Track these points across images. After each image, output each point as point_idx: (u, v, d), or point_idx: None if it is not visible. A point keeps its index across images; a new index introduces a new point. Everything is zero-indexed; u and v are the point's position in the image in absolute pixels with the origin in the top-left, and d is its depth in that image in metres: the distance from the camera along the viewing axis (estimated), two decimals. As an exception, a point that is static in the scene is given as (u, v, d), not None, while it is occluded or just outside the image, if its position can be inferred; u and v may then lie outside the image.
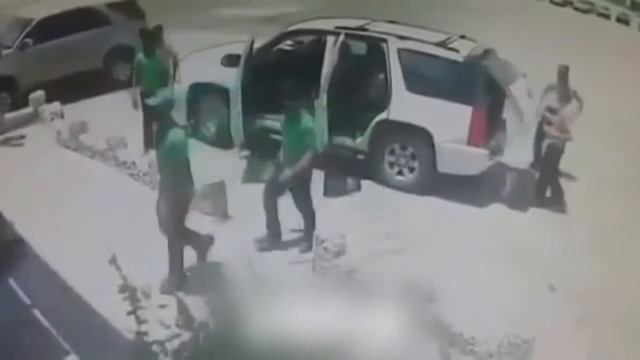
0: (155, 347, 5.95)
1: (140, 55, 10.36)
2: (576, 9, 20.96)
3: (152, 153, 9.64)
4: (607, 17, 20.60)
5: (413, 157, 9.67)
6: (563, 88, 9.86)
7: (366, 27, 10.25)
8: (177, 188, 7.06)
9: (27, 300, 6.81)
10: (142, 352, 6.03)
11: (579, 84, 10.09)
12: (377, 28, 10.20)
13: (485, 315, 6.92)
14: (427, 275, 7.35)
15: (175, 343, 6.13)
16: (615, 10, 20.58)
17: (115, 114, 11.54)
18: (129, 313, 5.51)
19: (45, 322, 6.54)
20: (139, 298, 6.61)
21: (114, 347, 6.24)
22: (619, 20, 20.37)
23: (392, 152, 9.75)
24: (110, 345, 6.28)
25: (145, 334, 5.68)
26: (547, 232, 8.97)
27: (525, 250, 8.39)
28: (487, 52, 9.84)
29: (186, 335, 6.10)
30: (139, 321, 6.10)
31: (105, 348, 6.27)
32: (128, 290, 6.48)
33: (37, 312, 6.67)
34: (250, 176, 9.84)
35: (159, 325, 6.26)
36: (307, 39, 10.95)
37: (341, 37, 9.86)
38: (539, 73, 10.12)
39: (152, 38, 10.46)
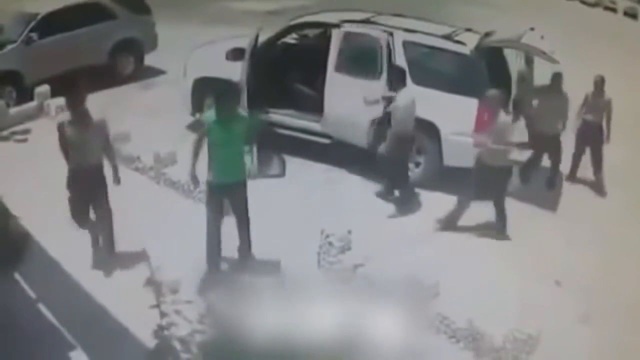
0: (176, 343, 5.97)
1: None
2: (583, 2, 20.89)
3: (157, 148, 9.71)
4: (614, 10, 20.52)
5: (419, 151, 9.64)
6: (598, 98, 9.84)
7: (371, 20, 10.22)
8: None
9: (33, 295, 6.82)
10: (161, 347, 6.04)
11: (584, 80, 10.06)
12: (383, 21, 10.17)
13: (490, 310, 6.91)
14: (432, 271, 7.34)
15: (197, 339, 6.15)
16: (622, 4, 20.50)
17: (120, 109, 11.54)
18: (152, 307, 5.52)
19: (50, 317, 6.55)
20: (163, 293, 6.63)
21: (120, 341, 6.27)
22: (626, 14, 20.29)
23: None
24: (116, 339, 6.30)
25: (167, 328, 5.69)
26: (552, 227, 8.95)
27: (531, 245, 8.37)
28: (487, 34, 9.80)
29: (208, 333, 6.11)
30: (162, 315, 6.10)
31: (111, 342, 6.28)
32: (154, 284, 6.50)
33: (42, 307, 6.68)
34: (256, 171, 9.83)
35: (182, 320, 6.28)
36: (312, 32, 10.92)
37: (346, 30, 9.85)
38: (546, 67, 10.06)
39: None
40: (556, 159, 9.93)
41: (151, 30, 13.75)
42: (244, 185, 7.24)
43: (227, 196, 7.21)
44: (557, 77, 9.78)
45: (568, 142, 10.02)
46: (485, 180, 8.38)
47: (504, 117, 8.36)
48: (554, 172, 9.98)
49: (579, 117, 10.02)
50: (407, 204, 9.20)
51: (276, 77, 10.38)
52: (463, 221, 8.69)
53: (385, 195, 9.32)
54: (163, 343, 6.03)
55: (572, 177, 10.21)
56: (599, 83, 9.92)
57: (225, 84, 7.94)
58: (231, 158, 7.09)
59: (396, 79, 9.17)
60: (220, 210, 7.23)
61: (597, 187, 10.00)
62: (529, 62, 10.13)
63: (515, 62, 9.98)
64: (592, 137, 9.97)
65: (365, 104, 9.54)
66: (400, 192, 9.31)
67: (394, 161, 9.17)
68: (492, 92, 8.39)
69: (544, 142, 9.61)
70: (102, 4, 13.07)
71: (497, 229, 8.59)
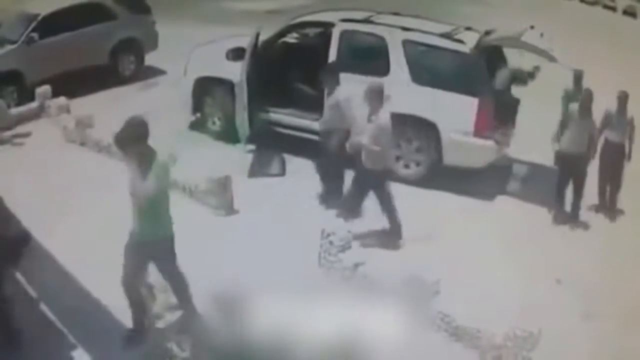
0: (170, 343, 5.98)
1: None
2: (582, 1, 20.90)
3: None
4: (613, 9, 20.54)
5: (419, 150, 9.65)
6: (621, 116, 9.04)
7: (371, 19, 10.24)
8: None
9: (34, 295, 6.83)
10: (157, 347, 6.07)
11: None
12: (382, 20, 10.19)
13: (491, 308, 6.91)
14: (433, 269, 7.35)
15: (192, 339, 6.16)
16: (621, 2, 20.52)
17: (121, 109, 11.54)
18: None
19: (51, 316, 6.56)
20: (154, 295, 6.65)
21: (121, 340, 6.27)
22: (625, 12, 20.31)
23: (397, 146, 9.73)
24: (116, 338, 6.30)
25: (161, 330, 5.71)
26: (553, 225, 8.95)
27: (532, 243, 8.38)
28: (487, 32, 9.84)
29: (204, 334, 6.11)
30: (156, 317, 6.14)
31: (111, 341, 6.28)
32: (146, 287, 6.53)
33: (43, 306, 6.70)
34: (257, 170, 9.85)
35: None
36: (312, 31, 10.93)
37: (346, 29, 9.86)
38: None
39: None
40: (579, 185, 8.96)
41: (151, 30, 13.78)
42: (169, 242, 6.04)
43: (150, 256, 6.07)
44: (587, 95, 8.86)
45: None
46: (363, 184, 7.99)
47: (384, 117, 7.77)
48: (577, 199, 8.99)
49: (598, 135, 9.09)
50: (349, 207, 8.33)
51: (276, 77, 10.40)
52: (470, 218, 8.70)
53: (325, 198, 8.90)
54: (158, 345, 6.07)
55: (610, 206, 9.25)
56: (623, 99, 8.99)
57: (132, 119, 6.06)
58: (145, 209, 5.81)
59: (329, 78, 8.80)
60: (140, 268, 6.15)
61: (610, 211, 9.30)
62: (577, 80, 9.92)
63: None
64: (615, 158, 9.16)
65: None
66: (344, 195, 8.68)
67: (329, 160, 8.81)
68: (373, 83, 8.02)
69: (569, 164, 8.90)
70: (102, 4, 13.10)
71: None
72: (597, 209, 9.30)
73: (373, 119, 7.75)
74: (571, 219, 8.99)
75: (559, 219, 8.98)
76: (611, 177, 9.25)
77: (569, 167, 8.94)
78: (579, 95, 9.51)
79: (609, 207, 9.28)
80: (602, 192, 9.31)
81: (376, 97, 7.77)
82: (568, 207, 9.05)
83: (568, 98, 9.98)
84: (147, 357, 6.11)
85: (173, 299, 6.52)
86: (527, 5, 17.84)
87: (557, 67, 9.83)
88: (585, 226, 8.92)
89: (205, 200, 8.83)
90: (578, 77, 10.05)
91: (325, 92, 8.99)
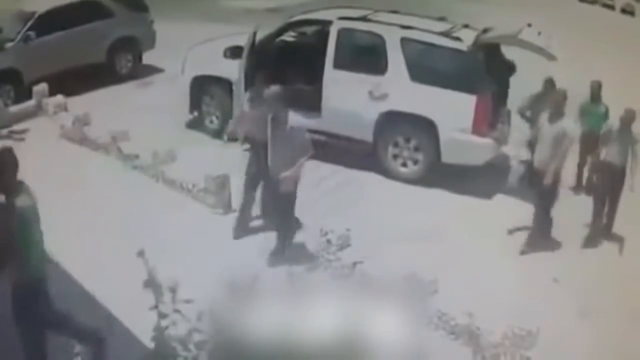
0: (174, 343, 5.96)
1: None
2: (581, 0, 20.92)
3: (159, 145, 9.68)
4: (611, 7, 20.56)
5: (417, 149, 9.65)
6: (625, 134, 8.11)
7: (369, 17, 10.23)
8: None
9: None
10: (161, 347, 6.04)
11: (580, 78, 10.04)
12: (380, 18, 10.19)
13: (489, 306, 6.90)
14: (431, 267, 7.35)
15: (195, 338, 6.15)
16: (620, 1, 20.54)
17: (118, 107, 11.55)
18: (151, 308, 5.52)
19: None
20: (162, 293, 6.62)
21: (121, 341, 6.26)
22: (623, 11, 20.33)
23: (395, 145, 9.74)
24: (117, 339, 6.28)
25: (166, 328, 5.68)
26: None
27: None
28: (485, 30, 9.88)
29: (207, 332, 6.10)
30: (161, 316, 6.10)
31: (111, 342, 6.26)
32: (153, 285, 6.50)
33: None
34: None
35: (181, 320, 6.26)
36: (309, 29, 10.92)
37: (344, 27, 9.85)
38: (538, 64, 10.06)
39: None
40: (541, 213, 8.06)
41: (149, 28, 13.76)
42: (38, 284, 5.42)
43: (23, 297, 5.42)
44: (560, 95, 7.91)
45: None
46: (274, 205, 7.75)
47: (292, 126, 7.42)
48: (534, 230, 8.09)
49: (595, 154, 8.36)
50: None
51: (274, 75, 10.37)
52: (468, 216, 8.71)
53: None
54: (162, 344, 6.04)
55: (605, 231, 8.34)
56: (629, 116, 7.96)
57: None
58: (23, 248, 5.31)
59: (258, 86, 8.37)
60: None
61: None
62: (595, 92, 9.56)
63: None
64: (612, 182, 8.22)
65: (371, 99, 9.58)
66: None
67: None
68: (270, 89, 7.58)
69: (539, 187, 8.02)
70: (100, 2, 13.09)
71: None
72: (592, 236, 8.41)
73: (283, 127, 7.40)
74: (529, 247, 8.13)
75: (531, 244, 8.12)
76: (609, 203, 8.36)
77: (537, 187, 8.05)
78: (596, 108, 9.31)
79: (604, 233, 8.45)
80: (597, 218, 8.40)
81: (276, 103, 7.45)
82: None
83: (584, 113, 9.40)
84: (150, 357, 6.10)
85: (180, 296, 6.50)
86: (525, 3, 17.83)
87: (554, 65, 9.82)
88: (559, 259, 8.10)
89: (204, 199, 8.82)
90: (595, 88, 9.38)
91: (250, 98, 8.61)
